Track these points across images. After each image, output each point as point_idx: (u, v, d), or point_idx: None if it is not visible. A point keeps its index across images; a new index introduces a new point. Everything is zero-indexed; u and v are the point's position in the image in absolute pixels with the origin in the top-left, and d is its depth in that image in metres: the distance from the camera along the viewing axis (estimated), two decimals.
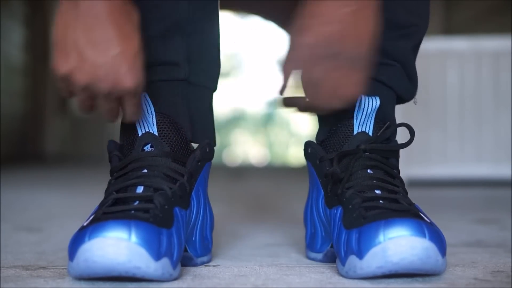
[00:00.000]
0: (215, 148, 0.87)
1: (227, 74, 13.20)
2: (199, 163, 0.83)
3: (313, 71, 0.76)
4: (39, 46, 6.20)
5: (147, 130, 0.81)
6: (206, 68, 0.88)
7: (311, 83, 0.77)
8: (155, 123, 0.82)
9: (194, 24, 0.85)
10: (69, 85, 0.74)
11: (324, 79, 0.76)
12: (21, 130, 5.79)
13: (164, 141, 0.81)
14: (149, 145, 0.81)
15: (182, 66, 0.85)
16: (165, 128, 0.82)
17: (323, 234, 0.87)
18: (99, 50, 0.72)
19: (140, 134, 0.81)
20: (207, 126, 0.88)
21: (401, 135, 0.86)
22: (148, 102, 0.82)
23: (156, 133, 0.81)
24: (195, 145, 0.86)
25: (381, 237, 0.70)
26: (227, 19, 10.93)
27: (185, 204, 0.79)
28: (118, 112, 0.77)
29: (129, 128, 0.82)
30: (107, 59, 0.72)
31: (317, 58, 0.75)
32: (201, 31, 0.86)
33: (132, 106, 0.77)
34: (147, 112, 0.82)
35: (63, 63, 0.73)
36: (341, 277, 0.76)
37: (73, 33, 0.72)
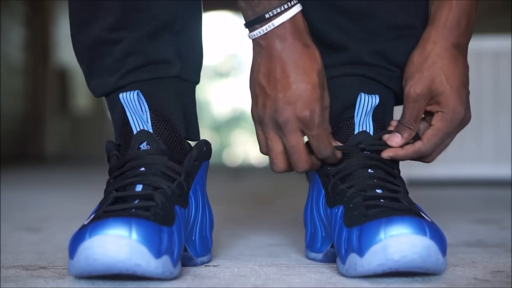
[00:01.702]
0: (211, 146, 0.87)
1: (227, 74, 13.15)
2: (196, 162, 0.83)
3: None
4: (39, 46, 6.20)
5: (141, 127, 0.81)
6: (193, 64, 0.89)
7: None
8: (149, 121, 0.82)
9: (182, 22, 0.86)
10: (260, 123, 0.79)
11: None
12: (21, 130, 5.79)
13: (159, 139, 0.81)
14: (144, 143, 0.81)
15: (173, 63, 0.85)
16: (159, 125, 0.82)
17: (323, 234, 0.86)
18: (279, 86, 0.76)
19: (135, 132, 0.81)
20: (195, 120, 0.89)
21: None
22: (141, 100, 0.82)
23: (151, 131, 0.81)
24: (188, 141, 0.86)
25: (382, 235, 0.70)
26: (227, 19, 10.93)
27: (184, 203, 0.79)
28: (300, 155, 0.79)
29: (124, 127, 0.82)
30: (285, 93, 0.76)
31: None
32: (188, 28, 0.87)
33: (314, 139, 0.78)
34: (141, 109, 0.82)
35: (255, 106, 0.79)
36: (341, 277, 0.76)
37: (258, 77, 0.78)
